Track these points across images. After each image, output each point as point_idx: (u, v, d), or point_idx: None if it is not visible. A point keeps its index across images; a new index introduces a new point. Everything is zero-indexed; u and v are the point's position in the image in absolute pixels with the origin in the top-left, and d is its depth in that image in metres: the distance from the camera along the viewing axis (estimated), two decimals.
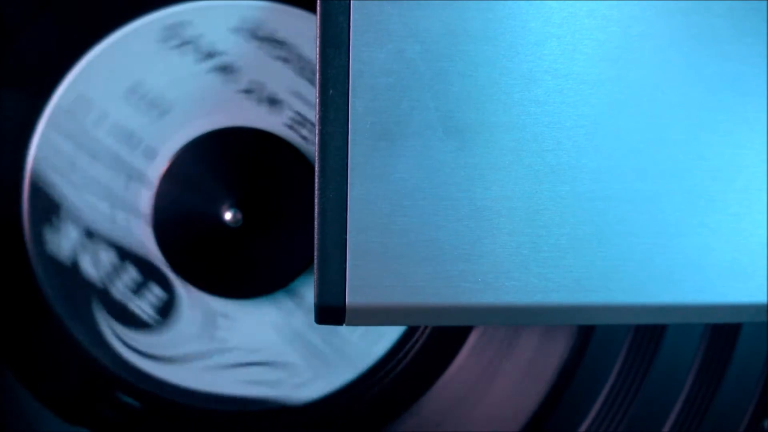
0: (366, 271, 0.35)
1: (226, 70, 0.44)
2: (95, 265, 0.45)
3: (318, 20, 0.34)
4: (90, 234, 0.44)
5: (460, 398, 0.47)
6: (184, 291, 0.45)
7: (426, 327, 0.47)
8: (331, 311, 0.35)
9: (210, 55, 0.44)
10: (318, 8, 0.34)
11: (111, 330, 0.45)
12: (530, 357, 0.47)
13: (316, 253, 0.35)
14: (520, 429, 0.47)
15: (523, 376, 0.47)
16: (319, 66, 0.34)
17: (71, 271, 0.45)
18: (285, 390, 0.46)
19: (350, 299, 0.35)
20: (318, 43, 0.34)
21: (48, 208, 0.44)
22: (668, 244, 0.36)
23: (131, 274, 0.45)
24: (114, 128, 0.44)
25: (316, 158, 0.35)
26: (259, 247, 0.44)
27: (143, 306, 0.45)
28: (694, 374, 0.46)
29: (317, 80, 0.34)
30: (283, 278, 0.45)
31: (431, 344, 0.47)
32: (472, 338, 0.47)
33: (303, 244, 0.44)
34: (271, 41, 0.44)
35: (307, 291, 0.46)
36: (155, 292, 0.45)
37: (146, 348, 0.45)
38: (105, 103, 0.44)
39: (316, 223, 0.35)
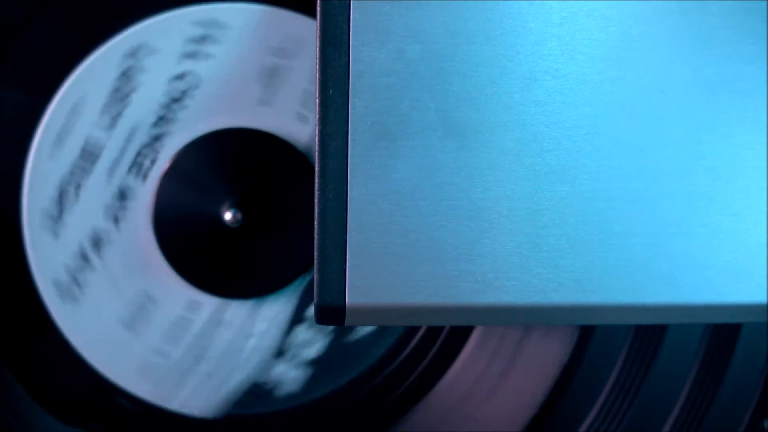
0: (366, 271, 0.35)
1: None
2: (309, 345, 0.45)
3: (318, 20, 0.34)
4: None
5: (461, 398, 0.47)
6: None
7: (426, 327, 0.47)
8: (331, 311, 0.35)
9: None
10: (318, 8, 0.34)
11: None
12: (530, 357, 0.47)
13: (316, 253, 0.35)
14: (520, 429, 0.47)
15: (523, 377, 0.47)
16: (319, 66, 0.34)
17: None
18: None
19: (350, 299, 0.35)
20: (318, 43, 0.34)
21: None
22: (668, 244, 0.36)
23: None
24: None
25: (316, 158, 0.35)
26: (259, 247, 0.44)
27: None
28: (694, 374, 0.46)
29: (317, 80, 0.34)
30: (283, 278, 0.45)
31: (431, 344, 0.47)
32: (473, 338, 0.47)
33: (303, 244, 0.44)
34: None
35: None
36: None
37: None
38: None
39: (316, 223, 0.35)
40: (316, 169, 0.35)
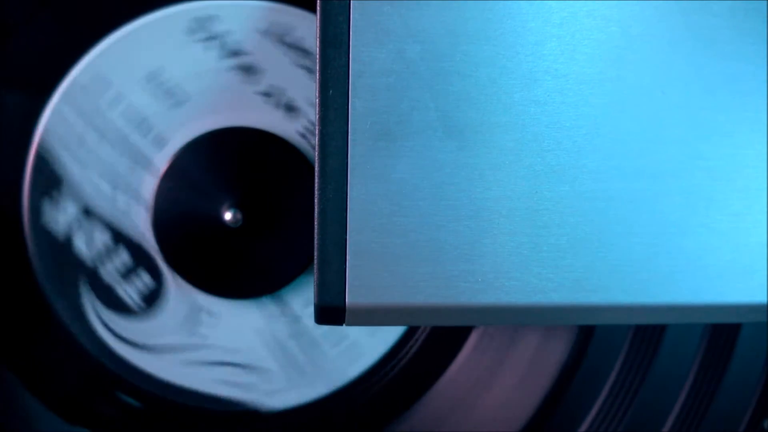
0: (366, 271, 0.35)
1: (248, 70, 0.44)
2: (88, 244, 0.44)
3: (318, 20, 0.34)
4: (88, 212, 0.44)
5: (461, 398, 0.47)
6: (172, 282, 0.45)
7: (426, 327, 0.47)
8: (331, 311, 0.35)
9: (235, 53, 0.44)
10: (318, 8, 0.34)
11: (95, 311, 0.45)
12: (530, 357, 0.47)
13: (316, 253, 0.35)
14: (520, 429, 0.47)
15: (523, 377, 0.47)
16: (319, 66, 0.34)
17: (64, 247, 0.44)
18: (256, 395, 0.46)
19: (350, 299, 0.35)
20: (318, 43, 0.34)
21: (50, 181, 0.44)
22: (668, 244, 0.36)
23: (123, 257, 0.45)
24: (127, 111, 0.44)
25: (316, 158, 0.35)
26: (258, 247, 0.44)
27: (130, 291, 0.45)
28: (694, 374, 0.46)
29: (317, 80, 0.34)
30: (283, 278, 0.45)
31: (431, 344, 0.47)
32: (472, 338, 0.47)
33: (303, 244, 0.44)
34: (298, 49, 0.44)
35: (292, 298, 0.46)
36: (144, 280, 0.45)
37: (126, 333, 0.45)
38: (123, 85, 0.43)
39: (316, 223, 0.35)
40: (316, 169, 0.35)
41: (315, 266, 0.35)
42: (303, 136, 0.44)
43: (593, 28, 0.35)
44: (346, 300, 0.35)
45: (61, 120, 0.44)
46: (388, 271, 0.35)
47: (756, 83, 0.36)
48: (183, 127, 0.44)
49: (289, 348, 0.46)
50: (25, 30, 0.44)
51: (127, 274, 0.45)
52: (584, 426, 0.47)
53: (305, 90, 0.44)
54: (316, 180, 0.35)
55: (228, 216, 0.44)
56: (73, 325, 0.45)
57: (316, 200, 0.35)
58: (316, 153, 0.35)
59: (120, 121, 0.44)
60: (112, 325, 0.45)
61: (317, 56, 0.34)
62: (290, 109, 0.44)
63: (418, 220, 0.35)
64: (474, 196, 0.35)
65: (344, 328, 0.45)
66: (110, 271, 0.45)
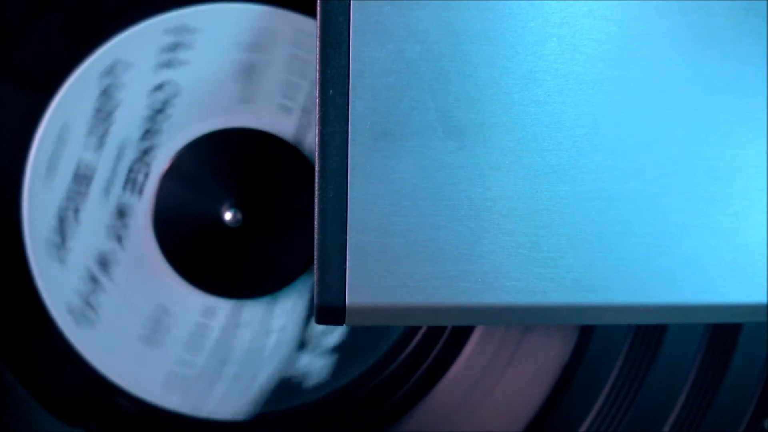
0: (366, 271, 0.35)
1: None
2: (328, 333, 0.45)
3: (318, 20, 0.34)
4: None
5: (461, 399, 0.47)
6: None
7: (426, 327, 0.47)
8: (331, 311, 0.35)
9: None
10: (318, 8, 0.34)
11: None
12: (530, 357, 0.47)
13: (316, 253, 0.35)
14: (520, 429, 0.47)
15: (523, 377, 0.47)
16: (319, 66, 0.34)
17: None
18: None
19: (350, 299, 0.35)
20: (318, 43, 0.34)
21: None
22: (668, 244, 0.36)
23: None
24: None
25: (316, 158, 0.35)
26: (259, 247, 0.44)
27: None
28: (694, 374, 0.46)
29: (317, 80, 0.34)
30: (283, 278, 0.45)
31: (431, 344, 0.47)
32: (473, 338, 0.47)
33: (303, 244, 0.44)
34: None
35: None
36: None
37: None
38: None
39: (316, 223, 0.35)
40: (316, 169, 0.35)
41: (315, 266, 0.35)
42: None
43: (593, 28, 0.35)
44: (346, 300, 0.35)
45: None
46: (388, 271, 0.35)
47: (756, 83, 0.36)
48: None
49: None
50: (25, 30, 0.44)
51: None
52: (584, 426, 0.47)
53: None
54: (316, 180, 0.35)
55: (228, 216, 0.44)
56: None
57: (316, 200, 0.35)
58: (316, 153, 0.35)
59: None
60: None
61: (317, 56, 0.34)
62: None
63: (418, 220, 0.35)
64: (474, 196, 0.35)
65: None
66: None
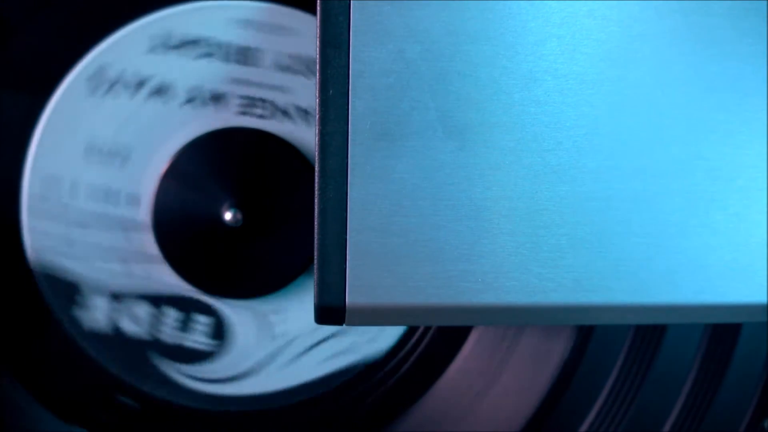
0: (366, 271, 0.35)
1: (161, 90, 0.44)
2: (136, 321, 0.45)
3: (318, 20, 0.34)
4: (117, 297, 0.45)
5: (461, 398, 0.47)
6: (227, 308, 0.45)
7: (426, 327, 0.47)
8: (331, 311, 0.35)
9: (140, 84, 0.44)
10: (318, 8, 0.34)
11: (178, 371, 0.45)
12: (530, 357, 0.47)
13: (316, 253, 0.35)
14: (520, 429, 0.47)
15: (523, 377, 0.47)
16: (319, 66, 0.34)
17: (118, 337, 0.45)
18: (361, 351, 0.46)
19: (350, 299, 0.35)
20: (318, 43, 0.34)
21: (69, 290, 0.44)
22: (668, 244, 0.36)
23: (172, 315, 0.45)
24: (90, 191, 0.44)
25: (316, 158, 0.35)
26: (259, 247, 0.44)
27: (197, 338, 0.45)
28: (694, 374, 0.46)
29: (317, 80, 0.34)
30: (283, 278, 0.45)
31: (431, 344, 0.47)
32: (472, 338, 0.47)
33: (303, 244, 0.44)
34: (187, 44, 0.44)
35: None
36: (202, 321, 0.45)
37: (218, 374, 0.46)
38: (70, 172, 0.44)
39: (316, 223, 0.35)
40: (316, 169, 0.35)
41: (315, 266, 0.35)
42: (243, 114, 0.44)
43: (593, 28, 0.35)
44: (346, 300, 0.35)
45: (41, 235, 0.44)
46: (388, 271, 0.35)
47: (756, 83, 0.36)
48: (143, 176, 0.44)
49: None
50: (25, 30, 0.44)
51: (184, 326, 0.45)
52: (584, 426, 0.47)
53: (217, 74, 0.44)
54: (316, 180, 0.35)
55: (228, 216, 0.44)
56: (72, 327, 0.45)
57: (316, 200, 0.35)
58: (316, 153, 0.35)
59: (90, 204, 0.44)
60: (200, 375, 0.45)
61: (317, 56, 0.34)
62: (217, 98, 0.44)
63: (418, 220, 0.35)
64: (474, 196, 0.35)
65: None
66: (169, 332, 0.45)
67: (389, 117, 0.35)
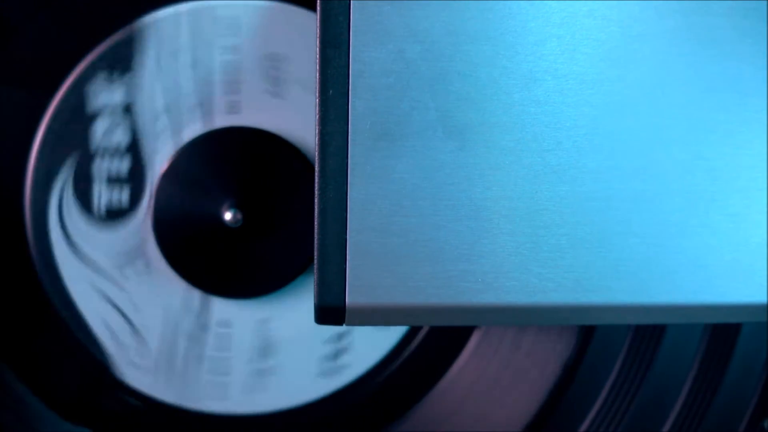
0: (366, 271, 0.35)
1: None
2: (105, 133, 0.44)
3: (318, 20, 0.34)
4: (128, 109, 0.44)
5: (461, 399, 0.47)
6: (143, 217, 0.45)
7: (426, 327, 0.47)
8: (331, 311, 0.35)
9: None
10: (318, 8, 0.34)
11: (60, 191, 0.44)
12: (530, 357, 0.47)
13: (316, 253, 0.35)
14: (520, 429, 0.47)
15: (523, 377, 0.47)
16: (319, 66, 0.34)
17: (84, 118, 0.44)
18: (120, 357, 0.46)
19: (350, 299, 0.35)
20: (318, 43, 0.34)
21: (122, 60, 0.43)
22: (668, 244, 0.36)
23: (121, 166, 0.44)
24: (230, 65, 0.43)
25: (316, 158, 0.35)
26: (259, 247, 0.44)
27: (103, 196, 0.44)
28: (694, 374, 0.46)
29: (317, 80, 0.34)
30: (283, 278, 0.45)
31: (431, 344, 0.47)
32: (473, 338, 0.47)
33: (303, 244, 0.44)
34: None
35: (220, 307, 0.46)
36: (122, 196, 0.44)
37: (71, 228, 0.45)
38: (246, 42, 0.43)
39: (316, 223, 0.35)
40: (316, 169, 0.35)
41: (315, 266, 0.35)
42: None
43: (593, 28, 0.35)
44: (346, 300, 0.35)
45: (175, 24, 0.43)
46: (388, 271, 0.35)
47: (756, 83, 0.36)
48: (269, 112, 0.44)
49: (177, 344, 0.46)
50: (26, 29, 0.44)
51: (113, 180, 0.44)
52: (584, 426, 0.47)
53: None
54: (316, 180, 0.35)
55: (228, 216, 0.44)
56: (73, 323, 0.45)
57: (316, 200, 0.35)
58: (316, 153, 0.35)
59: (218, 66, 0.44)
60: (66, 211, 0.45)
61: (317, 56, 0.34)
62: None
63: (418, 220, 0.35)
64: (474, 196, 0.35)
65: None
66: (101, 168, 0.44)
67: (389, 117, 0.35)
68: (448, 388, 0.48)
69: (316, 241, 0.35)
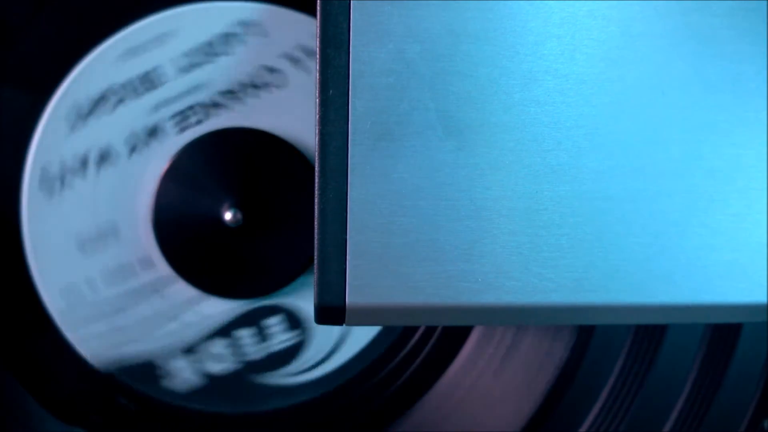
0: (366, 271, 0.35)
1: (104, 157, 0.44)
2: (219, 359, 0.45)
3: (318, 20, 0.34)
4: (189, 350, 0.45)
5: (461, 399, 0.47)
6: (285, 298, 0.45)
7: (426, 327, 0.47)
8: (331, 311, 0.35)
9: (83, 162, 0.44)
10: (318, 8, 0.34)
11: (284, 376, 0.46)
12: (530, 357, 0.47)
13: (316, 253, 0.35)
14: (520, 429, 0.47)
15: (523, 377, 0.47)
16: (319, 66, 0.34)
17: (214, 382, 0.46)
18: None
19: (350, 299, 0.35)
20: (318, 43, 0.34)
21: (146, 370, 0.45)
22: (668, 244, 0.36)
23: (245, 334, 0.45)
24: (106, 278, 0.44)
25: (316, 158, 0.35)
26: (259, 247, 0.44)
27: (280, 338, 0.46)
28: (694, 374, 0.46)
29: (317, 80, 0.34)
30: (283, 278, 0.45)
31: (431, 344, 0.47)
32: (473, 338, 0.47)
33: (303, 244, 0.44)
34: (97, 103, 0.44)
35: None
36: (274, 322, 0.46)
37: (317, 358, 0.46)
38: (78, 274, 0.44)
39: (316, 223, 0.35)
40: (316, 169, 0.35)
41: (315, 266, 0.35)
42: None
43: (593, 28, 0.35)
44: (346, 300, 0.35)
45: (93, 341, 0.45)
46: (388, 271, 0.35)
47: (756, 83, 0.36)
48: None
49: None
50: (27, 29, 0.44)
51: (263, 336, 0.46)
52: (584, 426, 0.47)
53: (138, 116, 0.44)
54: (316, 180, 0.35)
55: (228, 216, 0.44)
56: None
57: (316, 200, 0.35)
58: (316, 153, 0.35)
59: (113, 290, 0.45)
60: (306, 366, 0.46)
61: (317, 56, 0.34)
62: (153, 132, 0.44)
63: (418, 220, 0.35)
64: (474, 196, 0.35)
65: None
66: (254, 349, 0.46)
67: (389, 117, 0.35)
68: (447, 388, 0.48)
69: (316, 241, 0.35)
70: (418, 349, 0.47)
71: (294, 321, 0.46)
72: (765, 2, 0.36)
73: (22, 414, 0.46)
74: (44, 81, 0.44)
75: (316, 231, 0.35)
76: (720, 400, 0.46)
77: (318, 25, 0.34)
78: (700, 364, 0.46)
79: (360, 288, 0.35)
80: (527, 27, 0.35)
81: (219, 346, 0.45)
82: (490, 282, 0.35)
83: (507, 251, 0.35)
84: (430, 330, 0.47)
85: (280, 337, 0.46)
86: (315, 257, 0.35)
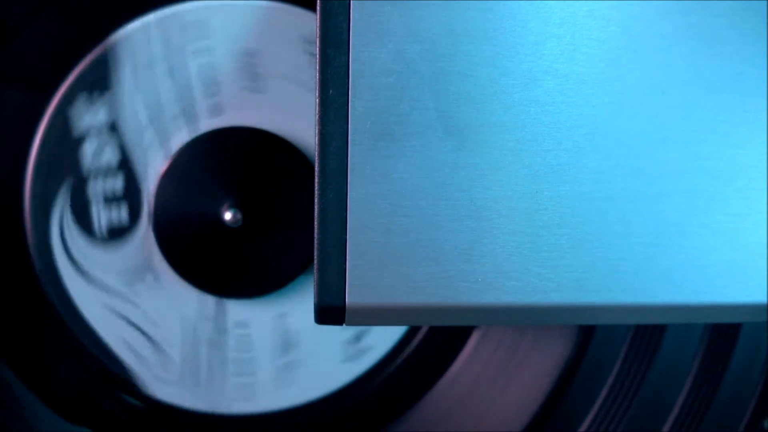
0: (366, 271, 0.35)
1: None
2: (95, 154, 0.44)
3: (318, 20, 0.34)
4: (113, 127, 0.44)
5: (461, 399, 0.47)
6: (144, 232, 0.45)
7: (426, 327, 0.47)
8: (331, 311, 0.35)
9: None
10: (318, 8, 0.34)
11: (60, 217, 0.44)
12: (530, 357, 0.47)
13: (316, 253, 0.35)
14: (520, 429, 0.47)
15: (523, 377, 0.47)
16: (319, 66, 0.34)
17: (72, 143, 0.44)
18: (146, 375, 0.46)
19: (350, 299, 0.35)
20: (318, 43, 0.34)
21: (99, 81, 0.44)
22: (668, 244, 0.36)
23: (116, 184, 0.44)
24: (206, 67, 0.44)
25: (316, 158, 0.35)
26: (259, 247, 0.44)
27: (102, 216, 0.44)
28: (694, 374, 0.46)
29: (317, 80, 0.34)
30: (283, 278, 0.45)
31: (431, 344, 0.47)
32: (473, 338, 0.47)
33: (303, 244, 0.44)
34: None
35: (237, 309, 0.46)
36: (121, 214, 0.45)
37: (76, 253, 0.45)
38: (218, 43, 0.44)
39: (316, 223, 0.35)
40: (316, 169, 0.35)
41: (315, 266, 0.35)
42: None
43: (593, 28, 0.35)
44: (346, 300, 0.35)
45: (145, 35, 0.43)
46: (388, 271, 0.35)
47: (756, 83, 0.36)
48: (245, 109, 0.44)
49: (199, 351, 0.46)
50: (27, 29, 0.44)
51: (110, 200, 0.44)
52: (584, 426, 0.47)
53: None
54: (316, 180, 0.35)
55: (228, 216, 0.44)
56: (74, 324, 0.45)
57: (316, 200, 0.35)
58: (316, 153, 0.35)
59: (194, 70, 0.43)
60: (68, 237, 0.45)
61: (317, 56, 0.34)
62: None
63: (418, 220, 0.35)
64: (474, 196, 0.35)
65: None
66: (96, 189, 0.44)
67: (389, 117, 0.35)
68: (448, 388, 0.48)
69: (316, 241, 0.35)
70: (418, 350, 0.47)
71: (117, 233, 0.45)
72: (765, 2, 0.36)
73: (25, 411, 0.46)
74: (44, 81, 0.44)
75: (316, 231, 0.35)
76: (719, 399, 0.46)
77: (318, 25, 0.34)
78: (699, 364, 0.46)
79: (360, 288, 0.35)
80: (527, 27, 0.35)
81: (109, 156, 0.44)
82: (490, 282, 0.35)
83: (507, 251, 0.35)
84: (430, 330, 0.47)
85: (103, 215, 0.45)
86: (315, 257, 0.35)
